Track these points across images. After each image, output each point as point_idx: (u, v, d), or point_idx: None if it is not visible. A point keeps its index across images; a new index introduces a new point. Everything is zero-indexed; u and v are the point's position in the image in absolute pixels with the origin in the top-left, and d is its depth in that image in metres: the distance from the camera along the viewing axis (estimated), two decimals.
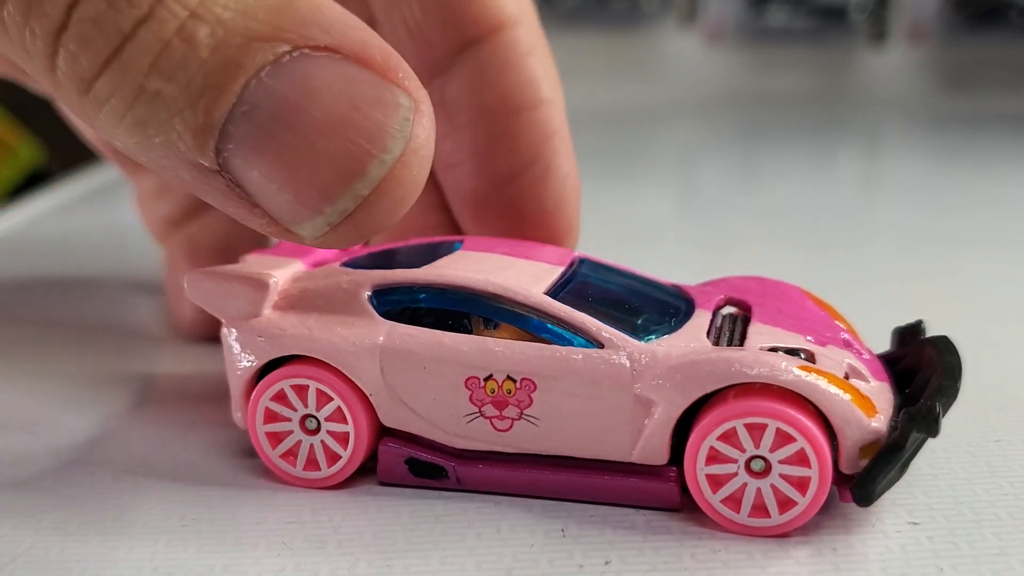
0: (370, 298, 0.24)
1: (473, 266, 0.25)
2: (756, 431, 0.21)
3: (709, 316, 0.25)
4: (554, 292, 0.24)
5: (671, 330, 0.24)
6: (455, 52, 0.29)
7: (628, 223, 0.55)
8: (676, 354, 0.22)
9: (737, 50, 1.04)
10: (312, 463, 0.24)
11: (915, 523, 0.22)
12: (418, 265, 0.25)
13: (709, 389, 0.22)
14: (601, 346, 0.23)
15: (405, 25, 0.30)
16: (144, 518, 0.23)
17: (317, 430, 0.24)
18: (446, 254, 0.25)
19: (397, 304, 0.24)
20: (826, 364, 0.23)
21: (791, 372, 0.21)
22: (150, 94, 0.21)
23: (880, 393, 0.23)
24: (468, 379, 0.23)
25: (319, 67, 0.21)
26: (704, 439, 0.22)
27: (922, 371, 0.24)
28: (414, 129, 0.21)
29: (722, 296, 0.26)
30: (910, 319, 0.26)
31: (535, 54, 0.29)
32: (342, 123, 0.21)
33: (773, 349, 0.23)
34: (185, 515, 0.23)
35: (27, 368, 0.33)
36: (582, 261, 0.26)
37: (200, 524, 0.23)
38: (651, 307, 0.25)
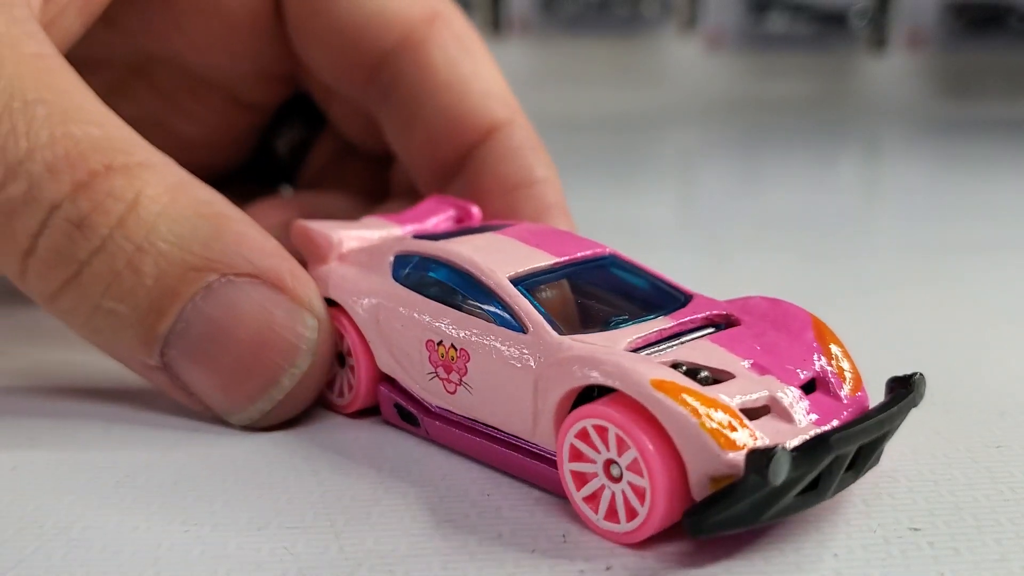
0: (392, 262, 0.28)
1: (480, 245, 0.27)
2: (602, 433, 0.22)
3: (669, 325, 0.25)
4: (526, 278, 0.25)
5: (604, 329, 0.24)
6: (462, 157, 0.34)
7: (628, 228, 0.55)
8: (576, 349, 0.23)
9: (737, 56, 1.05)
10: (339, 393, 0.29)
11: (916, 529, 0.22)
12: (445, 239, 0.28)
13: (566, 387, 0.23)
14: (524, 331, 0.24)
15: (415, 146, 0.35)
16: (147, 523, 0.23)
17: (343, 365, 0.29)
18: (477, 234, 0.29)
19: (405, 267, 0.28)
20: (729, 390, 0.22)
21: (642, 385, 0.21)
22: (105, 311, 0.26)
23: (794, 435, 0.22)
24: (427, 341, 0.26)
25: (242, 293, 0.26)
26: (566, 435, 0.23)
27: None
28: (319, 347, 0.27)
29: (715, 312, 0.26)
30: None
31: (528, 145, 0.34)
32: (261, 341, 0.27)
33: (675, 364, 0.23)
34: (188, 520, 0.23)
35: (29, 373, 0.33)
36: (600, 258, 0.27)
37: (202, 529, 0.23)
38: (621, 307, 0.26)
